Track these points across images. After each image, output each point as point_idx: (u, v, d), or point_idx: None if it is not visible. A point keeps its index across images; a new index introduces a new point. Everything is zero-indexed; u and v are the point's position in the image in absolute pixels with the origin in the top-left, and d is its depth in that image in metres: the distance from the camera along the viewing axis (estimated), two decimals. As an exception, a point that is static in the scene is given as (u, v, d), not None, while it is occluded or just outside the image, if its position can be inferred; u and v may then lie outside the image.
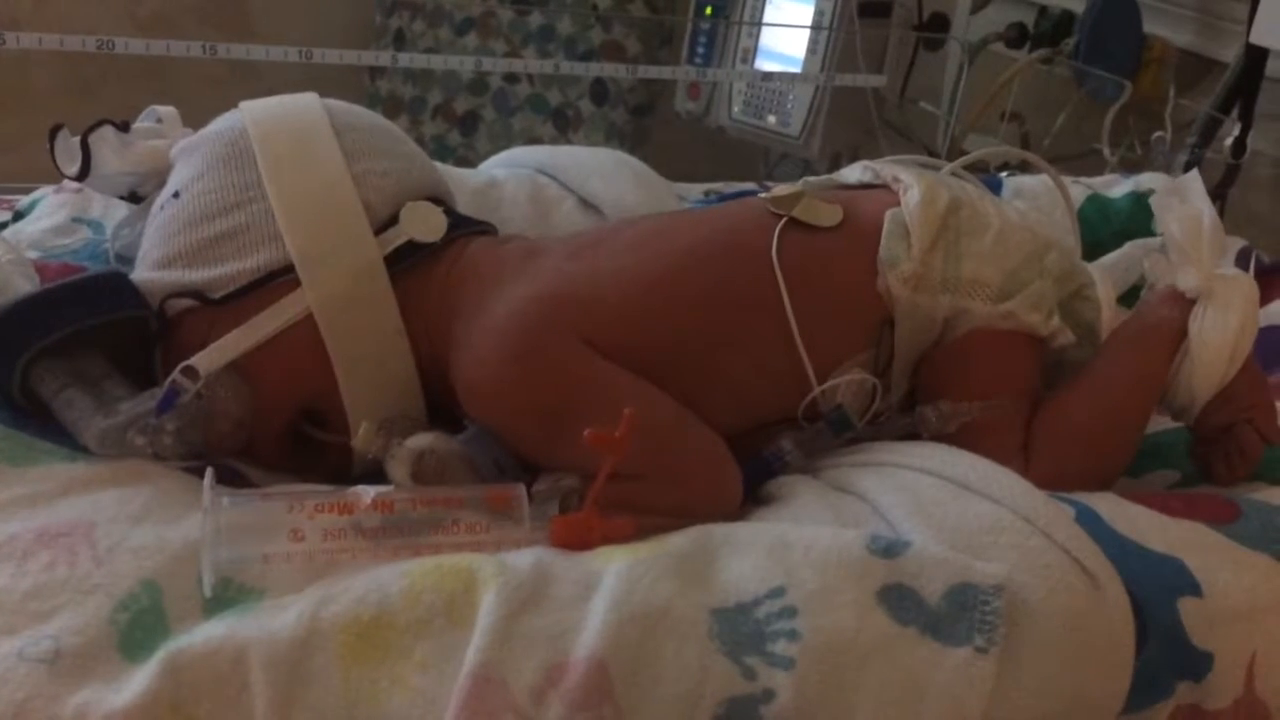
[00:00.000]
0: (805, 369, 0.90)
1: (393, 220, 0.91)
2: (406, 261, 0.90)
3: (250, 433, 0.88)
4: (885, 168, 1.01)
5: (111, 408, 0.82)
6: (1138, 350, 0.95)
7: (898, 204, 0.95)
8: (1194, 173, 1.00)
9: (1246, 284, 0.94)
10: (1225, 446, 0.94)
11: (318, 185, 0.90)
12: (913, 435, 0.90)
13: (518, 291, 0.88)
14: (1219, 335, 0.91)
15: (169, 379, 0.84)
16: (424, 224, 0.92)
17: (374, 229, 0.90)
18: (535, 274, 0.91)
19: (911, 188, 0.95)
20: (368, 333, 0.88)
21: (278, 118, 0.94)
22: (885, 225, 0.93)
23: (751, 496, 0.87)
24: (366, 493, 0.77)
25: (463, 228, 0.95)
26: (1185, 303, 0.94)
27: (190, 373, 0.84)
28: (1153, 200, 0.99)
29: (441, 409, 0.91)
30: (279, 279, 0.87)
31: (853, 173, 1.04)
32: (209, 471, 0.76)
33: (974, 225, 0.94)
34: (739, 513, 0.84)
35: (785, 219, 0.94)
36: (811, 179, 1.04)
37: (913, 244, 0.91)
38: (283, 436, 0.90)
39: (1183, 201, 0.97)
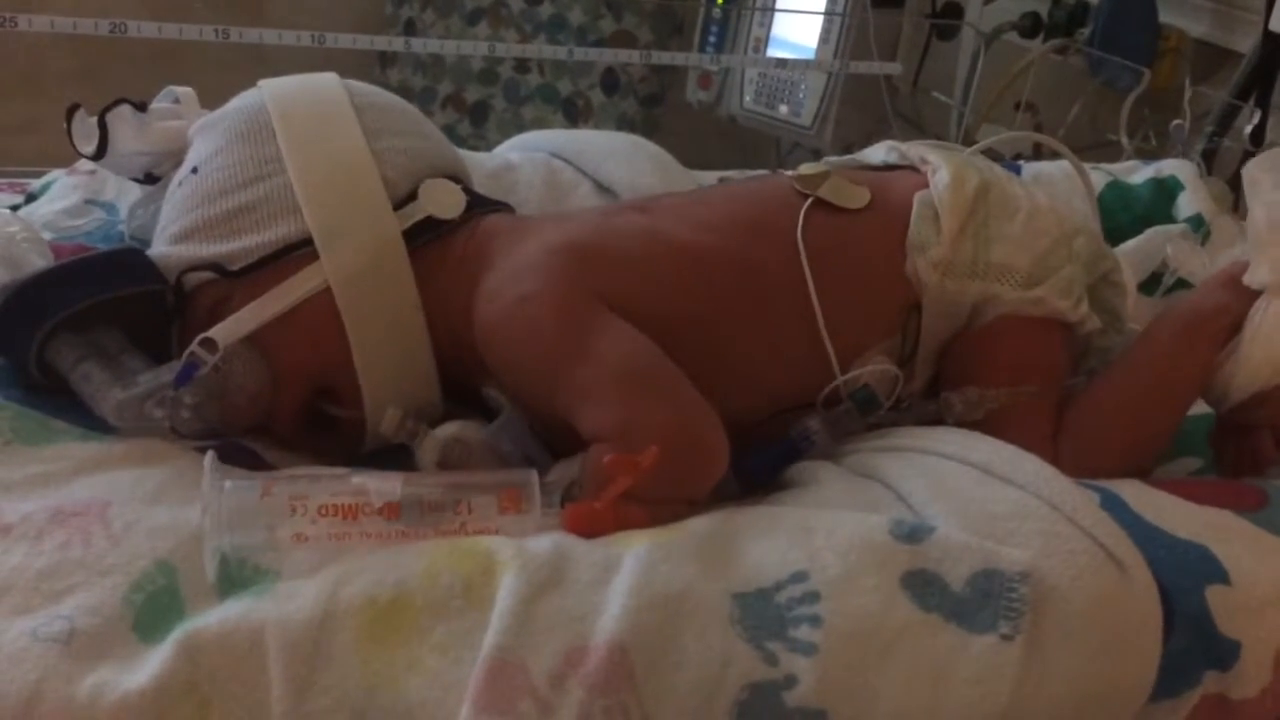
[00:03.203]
0: (828, 354, 0.89)
1: (411, 196, 0.90)
2: (425, 238, 0.90)
3: (266, 408, 0.87)
4: (912, 148, 0.99)
5: (129, 380, 0.82)
6: (1185, 340, 0.92)
7: (926, 186, 0.93)
8: None
9: None
10: (1239, 445, 0.92)
11: (337, 159, 0.89)
12: (938, 421, 0.89)
13: (541, 239, 0.88)
14: (1275, 339, 0.88)
15: (187, 351, 0.83)
16: (443, 200, 0.91)
17: (393, 205, 0.89)
18: (559, 230, 0.90)
19: (940, 169, 0.94)
20: (385, 308, 0.88)
21: (297, 94, 0.93)
22: (914, 208, 0.92)
23: (772, 482, 0.86)
24: (375, 494, 0.75)
25: (481, 206, 0.94)
26: (1247, 294, 0.90)
27: (209, 345, 0.84)
28: (1245, 171, 0.92)
29: (463, 392, 0.91)
30: (297, 252, 0.87)
31: (877, 153, 1.03)
32: (209, 455, 0.74)
33: (1003, 208, 0.92)
34: (760, 498, 0.83)
35: (811, 199, 0.92)
36: (834, 159, 1.03)
37: (942, 227, 0.90)
38: (298, 413, 0.89)
39: (1276, 186, 0.90)
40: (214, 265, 0.88)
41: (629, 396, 0.80)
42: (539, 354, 0.84)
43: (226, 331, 0.85)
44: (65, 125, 0.98)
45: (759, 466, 0.86)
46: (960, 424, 0.87)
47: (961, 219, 0.91)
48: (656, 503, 0.77)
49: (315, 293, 0.86)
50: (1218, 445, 0.95)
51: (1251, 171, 0.92)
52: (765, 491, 0.84)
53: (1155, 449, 0.92)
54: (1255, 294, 0.90)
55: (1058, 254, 0.92)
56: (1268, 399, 0.90)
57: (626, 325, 0.84)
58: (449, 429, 0.84)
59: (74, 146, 0.98)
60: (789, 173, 0.97)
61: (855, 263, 0.91)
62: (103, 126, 0.96)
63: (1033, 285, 0.90)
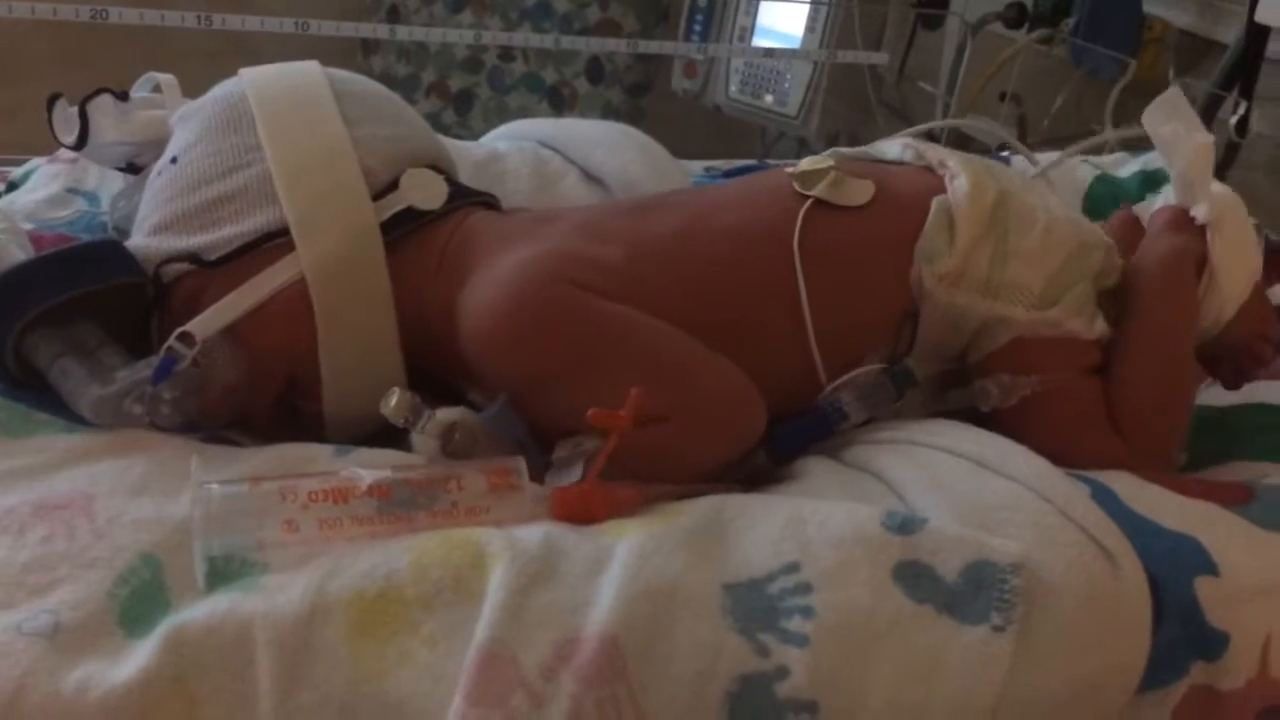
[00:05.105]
0: (817, 368, 0.87)
1: (393, 186, 0.90)
2: (405, 228, 0.89)
3: (244, 401, 0.86)
4: (931, 150, 0.96)
5: (108, 376, 0.80)
6: (1174, 286, 0.92)
7: (941, 189, 0.91)
8: (1176, 91, 0.96)
9: (1238, 202, 0.95)
10: (1236, 359, 0.95)
11: (317, 148, 0.88)
12: (973, 409, 0.88)
13: (526, 249, 0.87)
14: (1241, 257, 0.92)
15: (165, 346, 0.82)
16: (424, 191, 0.90)
17: (373, 194, 0.88)
18: (545, 235, 0.89)
19: (959, 175, 0.91)
20: (356, 299, 0.87)
21: (278, 82, 0.93)
22: (931, 213, 0.89)
23: (764, 475, 0.86)
24: (362, 477, 0.74)
25: (464, 198, 0.93)
26: (1199, 230, 0.93)
27: (186, 339, 0.83)
28: (1148, 123, 0.96)
29: (440, 385, 0.89)
30: (274, 241, 0.86)
31: (892, 148, 1.00)
32: (194, 461, 0.73)
33: (1021, 219, 0.90)
34: (753, 488, 0.82)
35: (811, 200, 0.90)
36: (844, 150, 1.01)
37: (957, 238, 0.88)
38: (275, 405, 0.88)
39: (1187, 129, 0.94)
40: (192, 256, 0.86)
41: (670, 389, 0.79)
42: (549, 366, 0.83)
43: (204, 324, 0.84)
44: (46, 114, 0.97)
45: (787, 437, 0.85)
46: (997, 412, 0.87)
47: (977, 231, 0.88)
48: (686, 473, 0.80)
49: (291, 282, 0.85)
50: (1211, 367, 0.96)
51: (1157, 123, 0.96)
52: (758, 484, 0.84)
53: (1188, 405, 0.93)
54: (1203, 228, 0.93)
55: (1070, 270, 0.90)
56: (1245, 312, 0.93)
57: (633, 311, 0.84)
58: (451, 414, 0.82)
59: (55, 136, 0.97)
60: (790, 169, 0.94)
61: (856, 266, 0.89)
62: (83, 116, 0.95)
63: (1047, 305, 0.88)
